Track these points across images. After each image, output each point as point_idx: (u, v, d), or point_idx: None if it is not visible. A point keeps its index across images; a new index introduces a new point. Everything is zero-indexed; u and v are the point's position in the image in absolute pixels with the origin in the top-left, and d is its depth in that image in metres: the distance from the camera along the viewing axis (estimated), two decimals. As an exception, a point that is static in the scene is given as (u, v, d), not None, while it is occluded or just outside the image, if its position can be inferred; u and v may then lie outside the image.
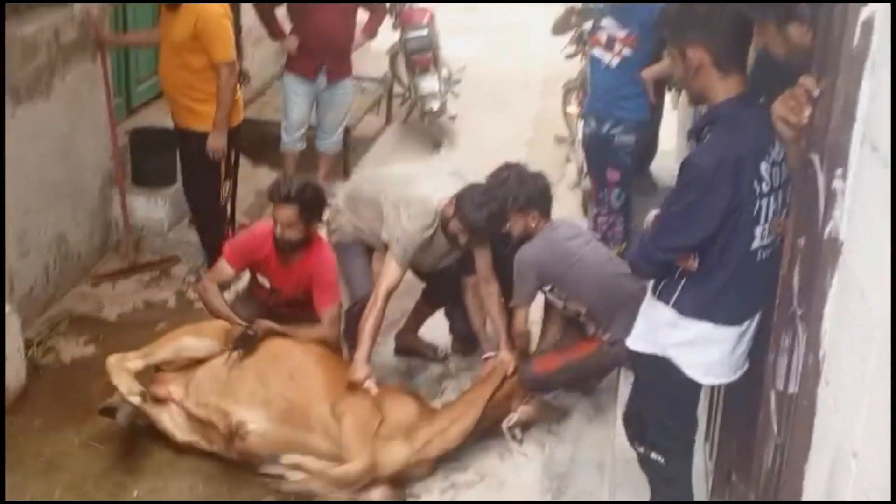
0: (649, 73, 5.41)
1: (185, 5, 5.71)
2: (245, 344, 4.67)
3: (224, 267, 4.97)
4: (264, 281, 4.94)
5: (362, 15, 7.48)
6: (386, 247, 4.84)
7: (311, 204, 4.81)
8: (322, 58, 7.04)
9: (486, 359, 4.97)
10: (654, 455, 3.55)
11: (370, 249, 5.14)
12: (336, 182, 7.32)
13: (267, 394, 4.55)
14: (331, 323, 4.89)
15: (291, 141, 7.30)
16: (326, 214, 5.18)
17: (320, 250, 4.95)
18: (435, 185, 4.84)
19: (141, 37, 6.59)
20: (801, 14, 2.61)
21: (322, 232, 5.18)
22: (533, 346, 5.07)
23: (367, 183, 5.17)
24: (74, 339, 5.58)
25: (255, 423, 4.48)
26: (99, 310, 5.90)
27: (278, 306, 5.05)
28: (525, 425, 4.79)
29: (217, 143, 5.91)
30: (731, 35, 2.99)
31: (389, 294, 4.76)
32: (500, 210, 4.63)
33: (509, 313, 4.92)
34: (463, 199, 4.64)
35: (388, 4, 8.00)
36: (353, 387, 4.56)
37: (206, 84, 5.82)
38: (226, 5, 5.88)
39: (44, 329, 5.57)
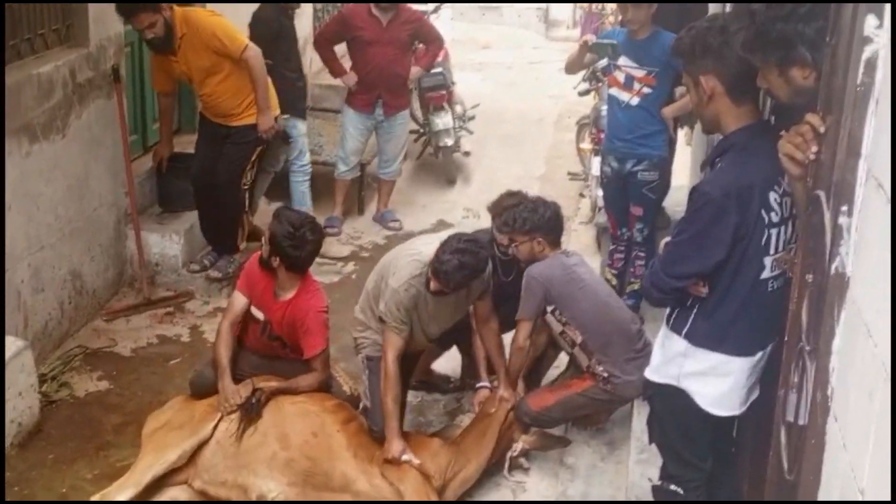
0: (670, 110, 5.49)
1: (184, 36, 6.06)
2: (252, 411, 4.53)
3: (237, 297, 4.85)
4: (258, 313, 4.83)
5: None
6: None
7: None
8: (379, 92, 7.42)
9: (480, 388, 4.96)
10: (672, 487, 3.54)
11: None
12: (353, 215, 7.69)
13: (288, 454, 4.44)
14: (322, 367, 4.75)
15: (347, 171, 7.75)
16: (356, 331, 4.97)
17: (311, 291, 4.77)
18: (427, 243, 4.68)
19: (167, 118, 6.71)
20: (803, 57, 2.62)
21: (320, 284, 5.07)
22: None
23: (372, 278, 4.89)
24: (88, 374, 5.59)
25: (277, 490, 4.39)
26: (113, 345, 5.92)
27: (271, 342, 4.87)
28: (528, 454, 4.79)
29: (267, 122, 6.34)
30: (743, 65, 2.99)
31: (398, 360, 4.59)
32: (474, 262, 4.41)
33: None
34: (441, 245, 4.44)
35: (442, 38, 8.16)
36: (392, 461, 4.46)
37: (245, 87, 6.25)
38: (208, 6, 6.47)
39: (58, 364, 5.58)
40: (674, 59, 3.59)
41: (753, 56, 2.81)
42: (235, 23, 6.48)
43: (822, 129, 2.33)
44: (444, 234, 4.74)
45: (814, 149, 2.38)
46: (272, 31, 6.77)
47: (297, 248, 4.57)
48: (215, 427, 4.50)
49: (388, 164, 7.80)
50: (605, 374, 4.67)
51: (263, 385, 4.61)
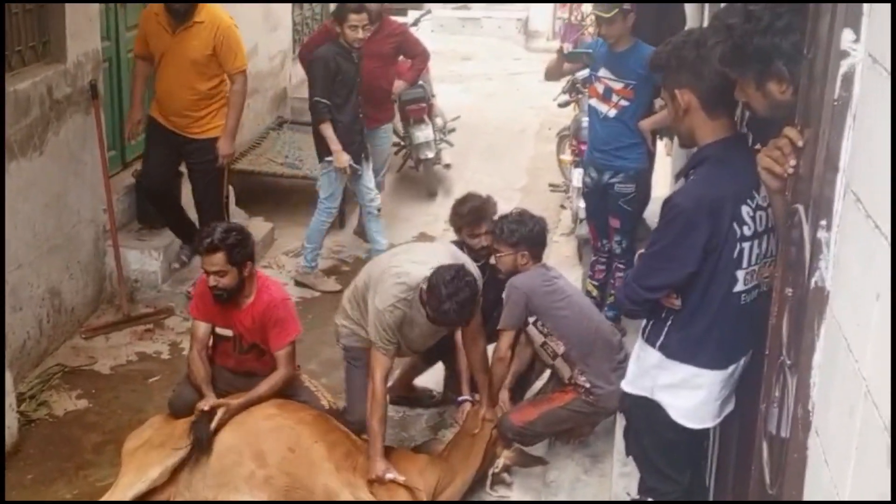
0: (647, 123, 5.50)
1: (200, 23, 6.06)
2: (202, 431, 4.46)
3: (197, 325, 4.78)
4: (225, 331, 4.77)
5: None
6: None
7: (238, 246, 4.61)
8: (362, 104, 7.24)
9: (462, 402, 4.96)
10: (650, 500, 3.54)
11: None
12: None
13: (266, 472, 4.40)
14: (286, 362, 4.70)
15: None
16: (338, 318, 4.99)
17: (267, 288, 4.75)
18: (412, 261, 4.62)
19: (140, 82, 6.48)
20: (780, 71, 2.63)
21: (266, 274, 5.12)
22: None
23: (361, 281, 4.82)
24: (67, 392, 5.55)
25: None
26: (92, 363, 5.87)
27: (244, 355, 4.83)
28: (510, 469, 4.78)
29: (229, 148, 6.41)
30: (718, 79, 3.00)
31: (384, 380, 4.59)
32: (472, 295, 4.38)
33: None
34: (431, 289, 4.35)
35: (427, 52, 8.11)
36: (373, 481, 4.43)
37: (218, 95, 6.30)
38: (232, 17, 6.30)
39: (37, 383, 5.54)
40: (652, 72, 3.60)
41: (731, 70, 2.81)
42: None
43: (800, 143, 2.33)
44: (424, 248, 4.76)
45: (792, 162, 2.38)
46: (329, 72, 6.64)
47: (221, 239, 4.58)
48: (191, 451, 4.46)
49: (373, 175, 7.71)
50: (588, 385, 4.67)
51: (223, 402, 4.54)
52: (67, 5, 5.80)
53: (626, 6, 5.42)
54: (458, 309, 4.32)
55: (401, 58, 7.83)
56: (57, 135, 5.77)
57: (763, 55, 2.64)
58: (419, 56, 7.88)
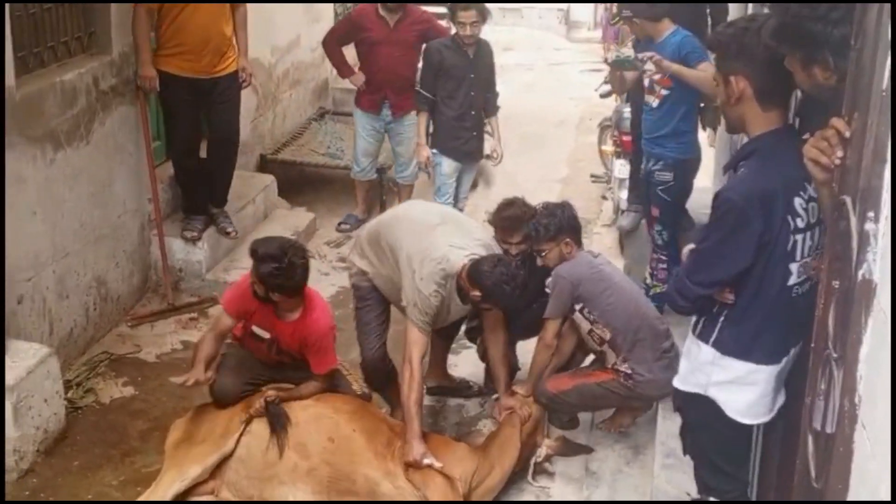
0: (672, 65, 5.37)
1: None
2: (279, 418, 4.51)
3: (223, 317, 4.75)
4: (261, 332, 4.74)
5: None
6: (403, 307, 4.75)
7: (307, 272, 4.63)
8: (384, 92, 7.38)
9: (497, 398, 4.99)
10: (711, 499, 3.51)
11: (386, 300, 5.02)
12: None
13: (309, 463, 4.44)
14: (324, 381, 4.74)
15: (360, 171, 7.76)
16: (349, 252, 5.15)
17: (317, 308, 4.71)
18: (451, 244, 4.67)
19: (148, 35, 6.21)
20: (825, 59, 2.61)
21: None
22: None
23: (386, 228, 4.94)
24: (113, 380, 5.63)
25: (303, 499, 4.40)
26: (137, 351, 5.95)
27: (280, 356, 4.81)
28: (552, 460, 4.78)
29: (250, 65, 6.76)
30: (775, 69, 2.97)
31: (422, 359, 4.66)
32: (525, 283, 4.56)
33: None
34: (487, 286, 4.44)
35: None
36: (411, 464, 4.46)
37: (230, 30, 6.48)
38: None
39: (83, 370, 5.62)
40: (710, 50, 3.53)
41: (780, 45, 2.79)
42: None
43: (847, 134, 2.31)
44: (459, 227, 4.81)
45: (839, 153, 2.36)
46: (432, 65, 6.72)
47: (289, 277, 4.46)
48: (237, 442, 4.50)
49: (403, 167, 7.73)
50: (629, 371, 4.68)
51: (272, 393, 4.60)
52: (113, -3, 5.87)
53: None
54: (511, 293, 4.45)
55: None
56: (103, 125, 5.84)
57: (812, 40, 2.62)
58: None
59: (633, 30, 5.63)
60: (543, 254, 4.82)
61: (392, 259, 4.79)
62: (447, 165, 6.90)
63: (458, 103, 6.77)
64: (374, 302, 5.00)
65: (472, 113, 6.82)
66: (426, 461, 4.45)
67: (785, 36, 2.72)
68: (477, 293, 4.49)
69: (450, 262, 4.57)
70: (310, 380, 4.71)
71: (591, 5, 16.37)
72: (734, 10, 6.23)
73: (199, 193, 6.73)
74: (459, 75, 6.71)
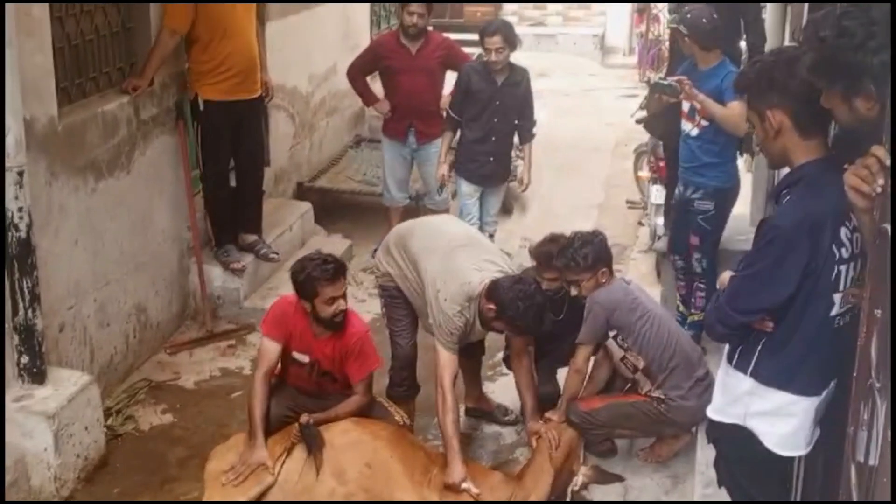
0: (702, 98, 5.35)
1: None
2: (314, 439, 4.50)
3: (268, 344, 4.70)
4: (301, 356, 4.75)
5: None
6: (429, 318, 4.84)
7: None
8: (410, 119, 7.42)
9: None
10: None
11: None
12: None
13: (346, 489, 4.43)
14: (364, 391, 4.76)
15: (390, 198, 7.78)
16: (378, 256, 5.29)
17: (352, 316, 4.79)
18: (475, 266, 4.74)
19: (165, 48, 6.09)
20: (867, 88, 2.59)
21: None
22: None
23: (416, 238, 5.02)
24: (153, 407, 5.66)
25: None
26: (176, 378, 5.99)
27: (320, 379, 4.83)
28: (589, 488, 4.75)
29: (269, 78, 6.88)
30: (811, 98, 2.93)
31: (454, 381, 4.72)
32: (542, 307, 4.61)
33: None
34: (503, 301, 4.52)
35: None
36: (450, 487, 4.46)
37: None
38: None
39: (123, 397, 5.66)
40: (738, 93, 3.52)
41: (818, 80, 2.77)
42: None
43: (887, 162, 2.29)
44: (479, 249, 4.92)
45: (881, 181, 2.34)
46: (461, 87, 6.82)
47: (327, 261, 4.60)
48: (279, 470, 4.50)
49: (433, 193, 7.74)
50: (662, 396, 4.69)
51: (305, 416, 4.59)
52: (154, 27, 5.95)
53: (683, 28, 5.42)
54: (536, 316, 4.54)
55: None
56: (143, 155, 5.92)
57: (853, 71, 2.60)
58: None
59: (682, 46, 5.56)
60: (581, 283, 4.80)
61: (413, 269, 4.91)
62: (465, 186, 6.99)
63: (479, 126, 6.81)
64: (403, 301, 5.12)
65: (493, 139, 6.83)
66: (465, 486, 4.44)
67: (823, 70, 2.71)
68: (492, 307, 4.55)
69: (472, 284, 4.65)
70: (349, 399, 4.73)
71: (626, 31, 16.39)
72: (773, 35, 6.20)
73: (230, 222, 6.77)
74: (484, 99, 6.74)
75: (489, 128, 6.80)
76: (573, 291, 4.85)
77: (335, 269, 4.59)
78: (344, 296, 4.65)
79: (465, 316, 4.66)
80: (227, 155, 6.56)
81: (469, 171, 6.94)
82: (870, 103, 2.60)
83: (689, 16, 5.43)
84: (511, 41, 6.65)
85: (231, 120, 6.41)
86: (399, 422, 4.87)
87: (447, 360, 4.69)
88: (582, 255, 4.75)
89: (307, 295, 4.58)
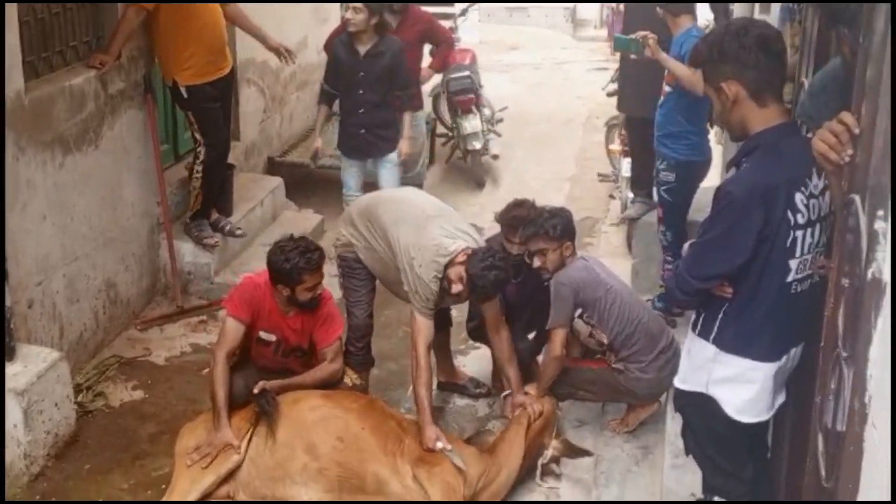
0: (665, 58, 5.37)
1: None
2: (267, 406, 4.49)
3: (232, 325, 4.64)
4: (268, 336, 4.74)
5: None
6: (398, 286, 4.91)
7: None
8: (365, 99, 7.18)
9: (506, 396, 5.01)
10: (716, 498, 3.50)
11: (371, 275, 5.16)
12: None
13: (319, 463, 4.44)
14: (334, 357, 4.80)
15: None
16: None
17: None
18: (447, 234, 4.77)
19: (128, 33, 5.98)
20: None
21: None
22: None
23: (383, 209, 5.02)
24: (123, 383, 5.64)
25: (314, 498, 4.40)
26: (147, 354, 5.96)
27: (285, 359, 4.85)
28: (559, 461, 4.79)
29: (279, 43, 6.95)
30: (762, 65, 3.02)
31: (428, 348, 4.78)
32: (506, 275, 4.65)
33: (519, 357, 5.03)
34: (470, 263, 4.59)
35: (452, 39, 8.19)
36: (426, 450, 4.50)
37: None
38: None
39: (93, 374, 5.63)
40: (693, 68, 3.55)
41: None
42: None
43: (856, 130, 2.30)
44: (447, 218, 4.94)
45: (849, 151, 2.35)
46: (331, 59, 6.80)
47: (308, 249, 4.62)
48: (247, 447, 4.50)
49: (409, 167, 7.67)
50: (621, 367, 4.79)
51: (264, 383, 4.57)
52: (120, 1, 5.88)
53: None
54: (494, 281, 4.59)
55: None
56: (111, 129, 5.86)
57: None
58: (444, 43, 7.92)
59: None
60: (547, 253, 4.81)
61: (382, 239, 4.92)
62: (344, 161, 6.89)
63: (347, 99, 6.73)
64: (362, 272, 5.15)
65: (361, 111, 6.68)
66: (439, 445, 4.48)
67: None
68: (461, 274, 4.59)
69: (447, 250, 4.68)
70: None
71: (597, 6, 16.38)
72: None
73: (213, 198, 6.75)
74: (347, 71, 6.63)
75: (355, 99, 6.67)
76: (536, 262, 4.86)
77: (318, 259, 4.61)
78: (320, 283, 4.67)
79: (439, 280, 4.70)
80: (226, 131, 6.59)
81: (342, 143, 6.84)
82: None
83: None
84: (371, 5, 6.48)
85: (218, 98, 6.41)
86: (349, 384, 4.91)
87: (423, 326, 4.74)
88: (551, 224, 4.79)
89: (288, 283, 4.57)
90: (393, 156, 6.79)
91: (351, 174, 6.88)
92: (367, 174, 6.90)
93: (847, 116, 2.38)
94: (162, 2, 6.00)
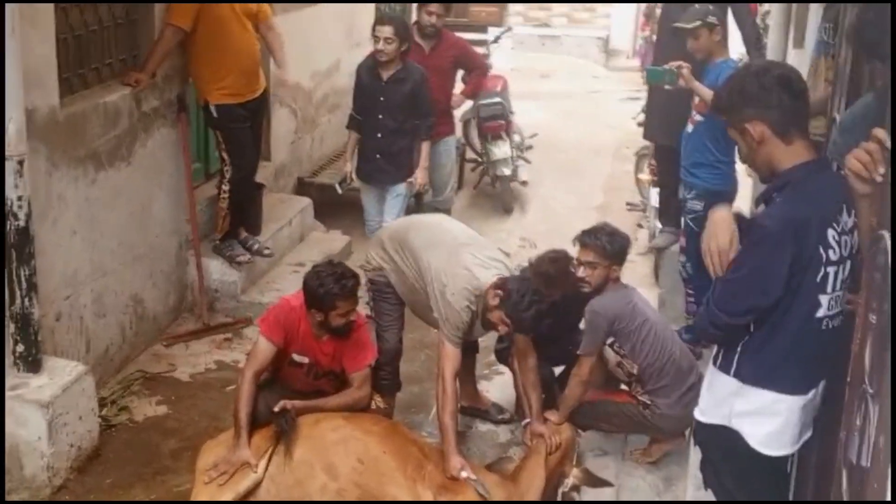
0: (695, 83, 5.36)
1: None
2: (286, 425, 4.48)
3: (264, 345, 4.63)
4: (301, 358, 4.73)
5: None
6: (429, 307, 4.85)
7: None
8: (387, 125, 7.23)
9: (527, 424, 4.95)
10: None
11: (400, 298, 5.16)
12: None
13: (338, 484, 4.41)
14: (361, 384, 4.77)
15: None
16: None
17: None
18: (481, 263, 4.76)
19: (168, 44, 6.06)
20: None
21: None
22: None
23: (415, 234, 5.04)
24: (147, 398, 5.66)
25: None
26: (172, 370, 5.99)
27: (317, 381, 4.83)
28: (580, 490, 4.76)
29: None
30: (786, 104, 3.02)
31: (455, 376, 4.72)
32: (547, 309, 4.55)
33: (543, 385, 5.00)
34: (510, 296, 4.52)
35: (486, 65, 8.28)
36: (450, 479, 4.46)
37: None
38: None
39: (118, 388, 5.66)
40: (718, 115, 3.54)
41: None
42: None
43: (888, 144, 2.29)
44: (480, 247, 4.92)
45: (881, 170, 2.34)
46: (355, 83, 6.84)
47: (344, 276, 4.58)
48: (267, 465, 4.50)
49: (438, 192, 7.76)
50: (648, 402, 4.73)
51: (288, 403, 4.56)
52: (157, 19, 5.95)
53: (712, 18, 5.37)
54: (536, 316, 4.49)
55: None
56: (144, 146, 5.91)
57: None
58: (477, 69, 7.95)
59: (693, 46, 5.48)
60: (595, 267, 4.74)
61: (413, 264, 4.92)
62: (363, 186, 6.90)
63: (367, 123, 6.72)
64: (393, 296, 5.16)
65: (380, 135, 6.68)
66: (464, 474, 4.44)
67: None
68: (498, 296, 4.54)
69: (479, 280, 4.66)
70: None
71: (630, 34, 16.39)
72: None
73: (240, 218, 6.78)
74: (370, 95, 6.65)
75: (375, 124, 6.68)
76: (580, 273, 4.79)
77: (353, 286, 4.62)
78: (353, 311, 4.67)
79: (471, 311, 4.68)
80: (254, 151, 6.65)
81: (360, 169, 6.84)
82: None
83: (710, 8, 5.41)
84: (402, 35, 6.52)
85: (245, 115, 6.45)
86: (374, 407, 4.89)
87: (451, 354, 4.70)
88: (608, 241, 4.74)
89: (322, 308, 4.57)
90: (402, 186, 6.78)
91: (369, 200, 6.91)
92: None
93: (880, 132, 2.37)
94: (199, 24, 6.07)
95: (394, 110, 6.65)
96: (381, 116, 6.65)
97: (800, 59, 5.91)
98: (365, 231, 7.04)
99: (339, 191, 7.27)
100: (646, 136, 7.19)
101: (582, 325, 4.84)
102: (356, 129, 6.84)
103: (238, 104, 6.35)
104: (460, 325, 4.67)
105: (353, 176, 6.90)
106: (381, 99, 6.63)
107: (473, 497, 4.42)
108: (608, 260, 4.75)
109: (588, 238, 4.81)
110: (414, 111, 6.70)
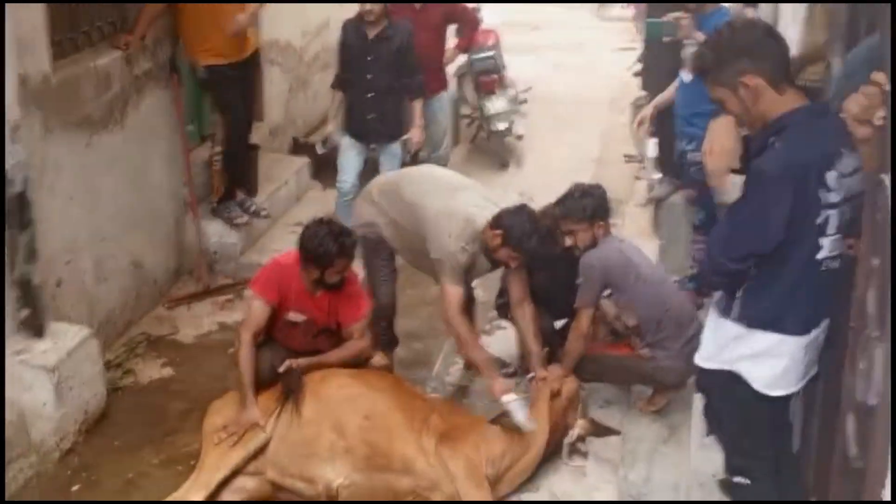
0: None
1: None
2: (293, 384, 4.53)
3: (258, 306, 4.66)
4: (297, 316, 4.76)
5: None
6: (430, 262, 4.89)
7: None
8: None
9: (531, 378, 4.98)
10: (737, 479, 3.50)
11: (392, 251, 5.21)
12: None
13: (347, 442, 4.45)
14: (362, 335, 4.82)
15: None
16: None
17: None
18: (476, 205, 4.84)
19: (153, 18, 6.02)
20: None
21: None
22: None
23: (408, 184, 5.08)
24: (152, 361, 5.70)
25: (343, 476, 4.42)
26: (175, 332, 6.02)
27: (315, 339, 4.85)
28: (585, 439, 4.80)
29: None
30: (777, 52, 3.04)
31: (461, 311, 4.81)
32: (548, 233, 4.71)
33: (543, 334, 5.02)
34: (511, 228, 4.64)
35: (477, 19, 8.25)
36: (451, 426, 4.56)
37: None
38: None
39: (122, 352, 5.69)
40: (698, 76, 3.50)
41: None
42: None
43: (887, 87, 2.28)
44: (472, 190, 5.04)
45: (881, 113, 2.34)
46: (340, 42, 6.77)
47: (341, 234, 4.61)
48: (275, 424, 4.53)
49: (433, 148, 7.73)
50: (648, 354, 4.77)
51: (292, 361, 4.61)
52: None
53: None
54: (540, 240, 4.65)
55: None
56: (137, 109, 5.88)
57: None
58: (469, 24, 7.93)
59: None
60: (577, 234, 4.80)
61: (411, 214, 4.94)
62: (345, 140, 6.80)
63: (356, 82, 6.66)
64: (385, 252, 5.19)
65: (369, 95, 6.62)
66: (508, 397, 4.60)
67: None
68: (498, 234, 4.64)
69: (476, 221, 4.74)
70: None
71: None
72: None
73: (236, 179, 6.77)
74: (356, 55, 6.60)
75: (365, 84, 6.62)
76: (567, 242, 4.85)
77: (351, 245, 4.64)
78: (348, 268, 4.72)
79: (468, 252, 4.75)
80: (245, 112, 6.62)
81: (349, 126, 6.77)
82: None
83: None
84: None
85: (237, 80, 6.42)
86: (378, 362, 4.95)
87: (453, 293, 4.77)
88: (581, 205, 4.76)
89: (319, 265, 4.59)
90: (396, 146, 6.76)
91: (349, 157, 6.78)
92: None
93: (879, 76, 2.36)
94: None
95: (383, 69, 6.60)
96: (370, 76, 6.60)
97: (793, 6, 5.89)
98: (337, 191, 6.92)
99: (322, 149, 7.29)
100: (645, 87, 7.15)
101: (579, 281, 4.86)
102: (340, 87, 6.78)
103: (227, 65, 6.30)
104: (458, 264, 4.75)
105: (335, 134, 6.86)
106: (369, 58, 6.58)
107: (473, 444, 4.48)
108: (587, 221, 4.78)
109: (560, 208, 4.84)
110: (402, 68, 6.66)
